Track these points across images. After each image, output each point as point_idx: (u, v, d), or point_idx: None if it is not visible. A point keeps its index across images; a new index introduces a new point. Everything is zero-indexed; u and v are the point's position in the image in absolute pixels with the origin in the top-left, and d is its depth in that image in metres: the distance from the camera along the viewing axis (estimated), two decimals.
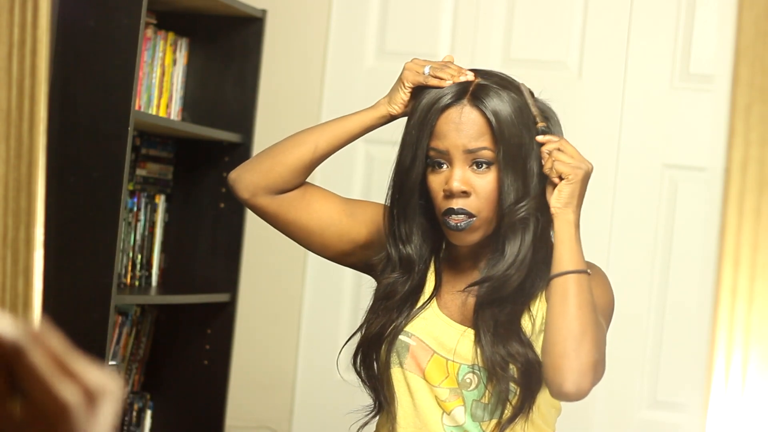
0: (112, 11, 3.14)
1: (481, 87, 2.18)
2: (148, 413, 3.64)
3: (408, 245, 2.22)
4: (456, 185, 2.15)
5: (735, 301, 1.82)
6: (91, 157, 3.13)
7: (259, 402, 3.98)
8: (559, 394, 2.09)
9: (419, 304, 2.24)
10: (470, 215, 2.15)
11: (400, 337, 2.22)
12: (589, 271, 2.12)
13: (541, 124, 2.19)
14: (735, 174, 1.84)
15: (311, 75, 3.97)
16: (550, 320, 2.08)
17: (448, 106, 2.16)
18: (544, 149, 2.17)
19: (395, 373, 2.23)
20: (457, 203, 2.15)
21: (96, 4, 3.16)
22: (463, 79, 2.17)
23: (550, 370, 2.07)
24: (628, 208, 3.73)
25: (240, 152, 3.67)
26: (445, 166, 2.17)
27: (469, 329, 2.21)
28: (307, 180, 2.34)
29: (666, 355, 3.69)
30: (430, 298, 2.24)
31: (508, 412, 2.16)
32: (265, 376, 3.99)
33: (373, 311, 2.26)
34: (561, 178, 2.15)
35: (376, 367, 2.25)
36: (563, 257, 2.11)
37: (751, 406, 1.81)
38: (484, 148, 2.16)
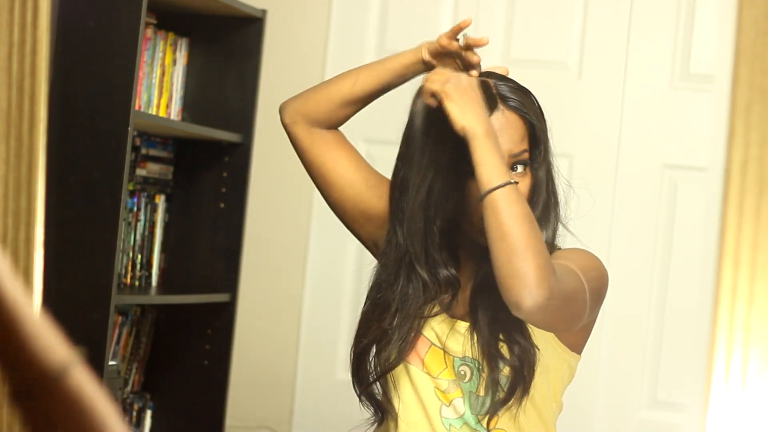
0: (112, 11, 3.14)
1: (506, 90, 2.19)
2: (148, 413, 3.64)
3: (447, 266, 2.21)
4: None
5: (735, 301, 1.82)
6: (91, 157, 3.13)
7: (259, 402, 3.98)
8: (520, 312, 2.01)
9: (431, 313, 2.23)
10: None
11: None
12: (513, 180, 2.04)
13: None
14: (735, 174, 1.84)
15: (311, 75, 3.97)
16: (491, 243, 2.02)
17: (489, 113, 2.14)
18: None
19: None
20: None
21: (96, 4, 3.16)
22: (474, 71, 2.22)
23: (504, 293, 2.01)
24: (628, 208, 3.73)
25: (240, 152, 3.67)
26: None
27: (460, 322, 2.21)
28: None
29: (666, 355, 3.69)
30: (442, 310, 2.23)
31: (501, 395, 2.15)
32: (265, 376, 3.99)
33: (372, 316, 2.26)
34: (435, 98, 2.08)
35: (377, 367, 2.24)
36: (486, 175, 2.02)
37: (751, 406, 1.81)
38: (525, 151, 2.17)
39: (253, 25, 3.68)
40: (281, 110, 2.40)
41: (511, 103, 2.17)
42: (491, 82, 2.19)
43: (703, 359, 1.83)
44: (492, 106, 2.15)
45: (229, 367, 3.66)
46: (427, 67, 2.28)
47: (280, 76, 3.94)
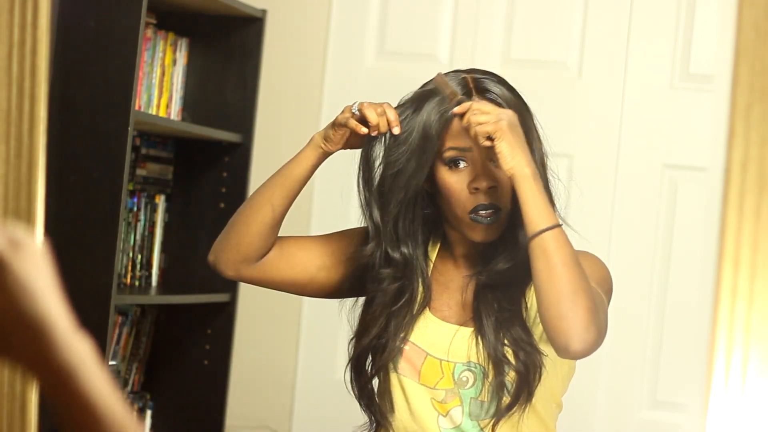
0: (112, 11, 3.14)
1: (481, 81, 2.19)
2: (148, 413, 3.65)
3: (404, 248, 2.22)
4: (485, 183, 2.14)
5: (735, 301, 1.82)
6: (91, 157, 3.13)
7: (259, 402, 3.98)
8: (568, 354, 2.05)
9: (412, 311, 2.23)
10: (498, 209, 2.15)
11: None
12: (561, 223, 2.08)
13: (459, 97, 2.16)
14: (735, 174, 1.84)
15: (311, 75, 3.97)
16: (539, 284, 2.04)
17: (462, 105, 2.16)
18: (464, 121, 2.11)
19: (391, 378, 2.23)
20: (486, 198, 2.15)
21: (96, 4, 3.16)
22: (385, 129, 2.15)
23: (552, 334, 2.04)
24: (628, 208, 3.73)
25: (240, 152, 3.67)
26: (463, 164, 2.16)
27: (463, 327, 2.20)
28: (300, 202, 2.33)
29: (666, 355, 3.69)
30: (422, 306, 2.24)
31: (506, 399, 2.15)
32: (265, 376, 3.99)
33: (365, 321, 2.26)
34: (490, 139, 2.08)
35: (369, 378, 2.25)
36: (533, 216, 2.05)
37: (751, 406, 1.81)
38: None
39: (253, 25, 3.69)
40: (216, 266, 2.37)
41: (488, 95, 2.17)
42: (468, 77, 2.19)
43: (703, 359, 1.83)
44: (467, 97, 2.15)
45: (229, 367, 3.66)
46: (330, 153, 2.25)
47: (280, 76, 3.94)
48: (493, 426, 2.17)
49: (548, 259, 2.03)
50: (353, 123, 2.17)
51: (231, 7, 3.59)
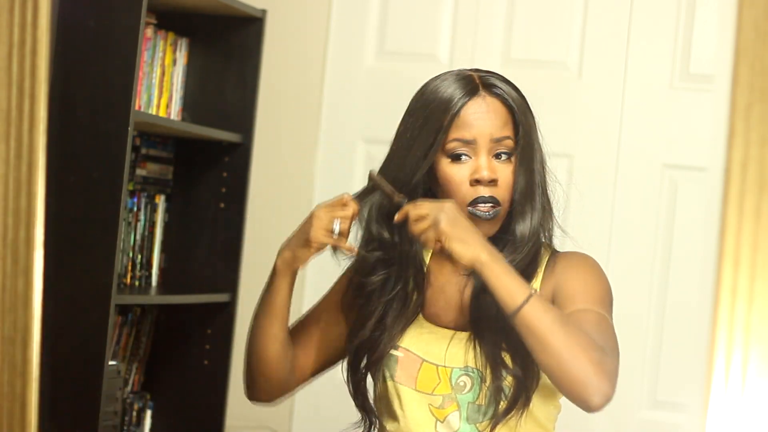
0: (112, 11, 3.14)
1: (488, 78, 2.20)
2: (148, 413, 3.64)
3: (401, 245, 2.22)
4: (486, 174, 2.15)
5: (735, 301, 1.82)
6: (91, 157, 3.13)
7: None
8: (593, 410, 2.07)
9: (407, 313, 2.23)
10: (497, 203, 2.15)
11: (390, 351, 2.22)
12: (534, 290, 2.07)
13: (398, 198, 2.16)
14: (735, 174, 1.84)
15: (311, 75, 3.97)
16: (537, 358, 2.05)
17: (469, 98, 2.17)
18: (409, 228, 2.12)
19: (387, 386, 2.22)
20: (486, 191, 2.15)
21: (96, 4, 3.16)
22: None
23: (571, 397, 2.06)
24: (628, 208, 3.73)
25: (240, 152, 3.66)
26: (466, 157, 2.17)
27: (459, 332, 2.20)
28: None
29: (666, 355, 3.69)
30: (415, 310, 2.24)
31: (503, 404, 2.15)
32: None
33: (361, 316, 2.26)
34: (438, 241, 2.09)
35: (362, 376, 2.25)
36: (507, 297, 2.04)
37: (751, 406, 1.81)
38: (508, 137, 2.17)
39: (253, 25, 3.68)
40: (264, 404, 2.36)
41: (495, 90, 2.18)
42: (475, 74, 2.20)
43: (703, 359, 1.83)
44: (473, 93, 2.16)
45: (229, 366, 3.65)
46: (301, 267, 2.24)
47: (280, 76, 3.94)
48: (491, 430, 2.16)
49: (535, 333, 2.03)
50: (331, 241, 2.16)
51: (231, 7, 3.59)
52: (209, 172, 3.69)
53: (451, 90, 2.17)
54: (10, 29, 2.55)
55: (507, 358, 2.15)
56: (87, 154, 3.13)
